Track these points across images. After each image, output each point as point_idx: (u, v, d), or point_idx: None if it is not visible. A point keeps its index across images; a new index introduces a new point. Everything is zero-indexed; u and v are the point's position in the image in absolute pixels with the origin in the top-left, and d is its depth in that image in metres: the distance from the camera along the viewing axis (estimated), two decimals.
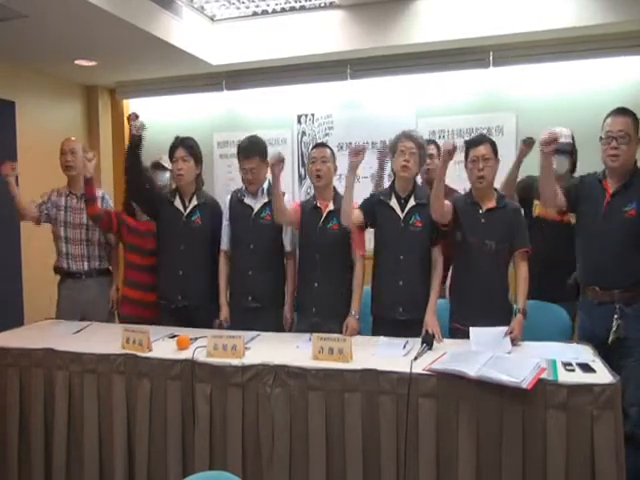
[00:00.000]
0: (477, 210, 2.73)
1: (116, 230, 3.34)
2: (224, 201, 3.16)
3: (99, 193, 3.50)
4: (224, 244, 3.11)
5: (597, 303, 2.59)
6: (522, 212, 2.79)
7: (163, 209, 3.16)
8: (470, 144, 2.75)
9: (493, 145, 2.71)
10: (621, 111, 2.56)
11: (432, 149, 3.38)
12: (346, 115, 4.73)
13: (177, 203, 3.14)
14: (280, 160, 2.74)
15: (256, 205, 3.06)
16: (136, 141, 3.06)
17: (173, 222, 3.12)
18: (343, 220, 2.79)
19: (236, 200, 3.10)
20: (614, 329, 2.50)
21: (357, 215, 2.82)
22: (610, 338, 2.51)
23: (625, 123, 2.52)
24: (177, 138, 3.16)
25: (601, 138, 2.59)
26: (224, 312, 3.05)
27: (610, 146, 2.53)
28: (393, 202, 2.82)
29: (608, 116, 2.59)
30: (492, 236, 2.67)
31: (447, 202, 2.71)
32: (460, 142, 4.26)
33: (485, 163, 2.66)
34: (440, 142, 3.44)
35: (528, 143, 2.81)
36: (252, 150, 3.01)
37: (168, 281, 3.11)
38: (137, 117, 3.06)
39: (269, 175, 3.13)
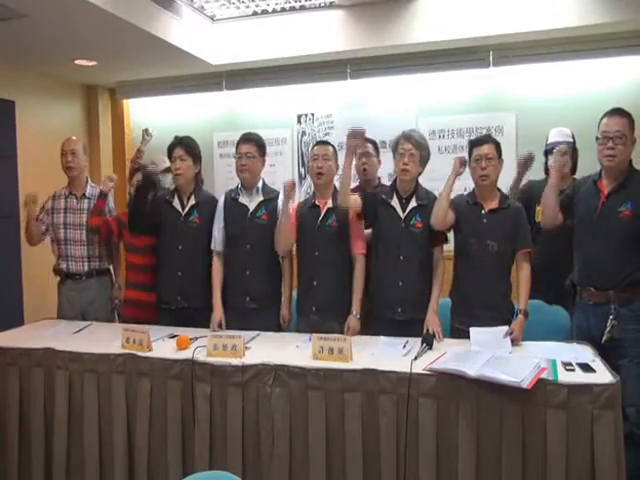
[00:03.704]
0: (479, 210, 2.73)
1: (117, 235, 3.36)
2: (218, 210, 3.11)
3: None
4: (218, 245, 3.06)
5: (593, 304, 2.59)
6: (524, 212, 2.79)
7: (161, 209, 3.14)
8: (474, 143, 2.75)
9: (497, 145, 2.71)
10: (617, 111, 2.57)
11: (369, 148, 3.35)
12: (346, 115, 4.72)
13: (175, 203, 3.12)
14: (293, 184, 2.83)
15: (251, 204, 3.04)
16: (148, 184, 3.15)
17: (171, 222, 3.10)
18: (340, 202, 2.80)
19: (230, 200, 3.07)
20: (608, 329, 2.50)
21: (355, 199, 2.83)
22: (604, 338, 2.51)
23: (622, 123, 2.53)
24: (176, 137, 3.16)
25: (597, 138, 2.59)
26: (217, 315, 2.94)
27: (607, 146, 2.54)
28: (394, 202, 2.82)
29: (604, 116, 2.60)
30: (494, 237, 2.67)
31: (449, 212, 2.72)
32: (461, 141, 4.33)
33: (488, 162, 2.66)
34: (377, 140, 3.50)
35: (528, 159, 2.86)
36: (251, 137, 3.06)
37: (167, 282, 3.10)
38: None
39: (264, 174, 3.15)
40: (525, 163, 2.93)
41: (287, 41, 4.30)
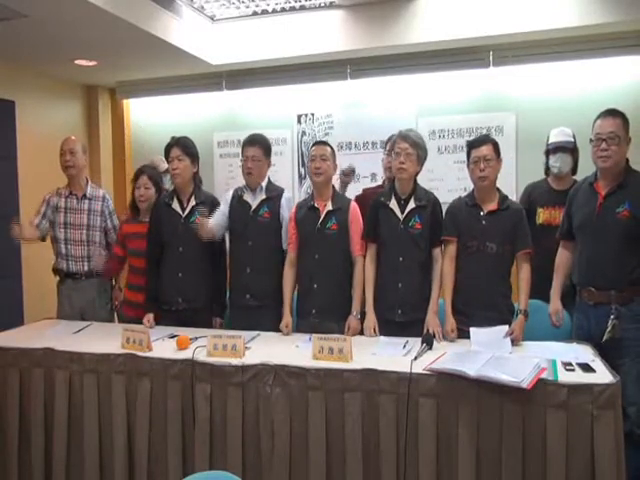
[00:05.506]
0: (478, 212, 2.72)
1: (125, 253, 3.36)
2: (225, 199, 3.13)
3: (100, 193, 3.50)
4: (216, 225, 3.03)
5: (593, 304, 2.59)
6: (524, 213, 2.78)
7: (161, 212, 3.13)
8: (472, 144, 2.74)
9: (495, 145, 2.71)
10: (610, 112, 2.56)
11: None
12: (346, 115, 4.73)
13: (175, 205, 3.11)
14: (351, 170, 2.89)
15: (254, 202, 3.04)
16: None
17: (172, 224, 3.08)
18: None
19: (236, 197, 3.09)
20: (609, 329, 2.50)
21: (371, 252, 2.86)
22: (604, 337, 2.50)
23: (615, 124, 2.52)
24: (173, 138, 3.15)
25: (591, 140, 2.59)
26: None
27: (600, 148, 2.53)
28: (393, 203, 2.82)
29: (597, 118, 2.59)
30: (493, 238, 2.67)
31: None
32: (461, 141, 4.33)
33: (487, 163, 2.66)
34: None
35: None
36: (256, 139, 3.06)
37: (167, 284, 3.09)
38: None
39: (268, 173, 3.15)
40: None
41: (287, 41, 4.30)
